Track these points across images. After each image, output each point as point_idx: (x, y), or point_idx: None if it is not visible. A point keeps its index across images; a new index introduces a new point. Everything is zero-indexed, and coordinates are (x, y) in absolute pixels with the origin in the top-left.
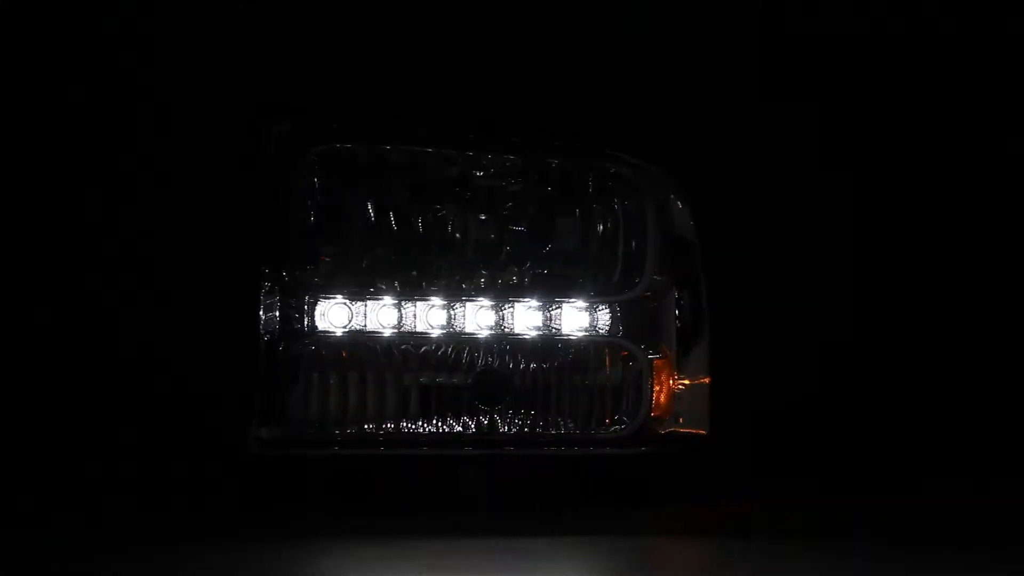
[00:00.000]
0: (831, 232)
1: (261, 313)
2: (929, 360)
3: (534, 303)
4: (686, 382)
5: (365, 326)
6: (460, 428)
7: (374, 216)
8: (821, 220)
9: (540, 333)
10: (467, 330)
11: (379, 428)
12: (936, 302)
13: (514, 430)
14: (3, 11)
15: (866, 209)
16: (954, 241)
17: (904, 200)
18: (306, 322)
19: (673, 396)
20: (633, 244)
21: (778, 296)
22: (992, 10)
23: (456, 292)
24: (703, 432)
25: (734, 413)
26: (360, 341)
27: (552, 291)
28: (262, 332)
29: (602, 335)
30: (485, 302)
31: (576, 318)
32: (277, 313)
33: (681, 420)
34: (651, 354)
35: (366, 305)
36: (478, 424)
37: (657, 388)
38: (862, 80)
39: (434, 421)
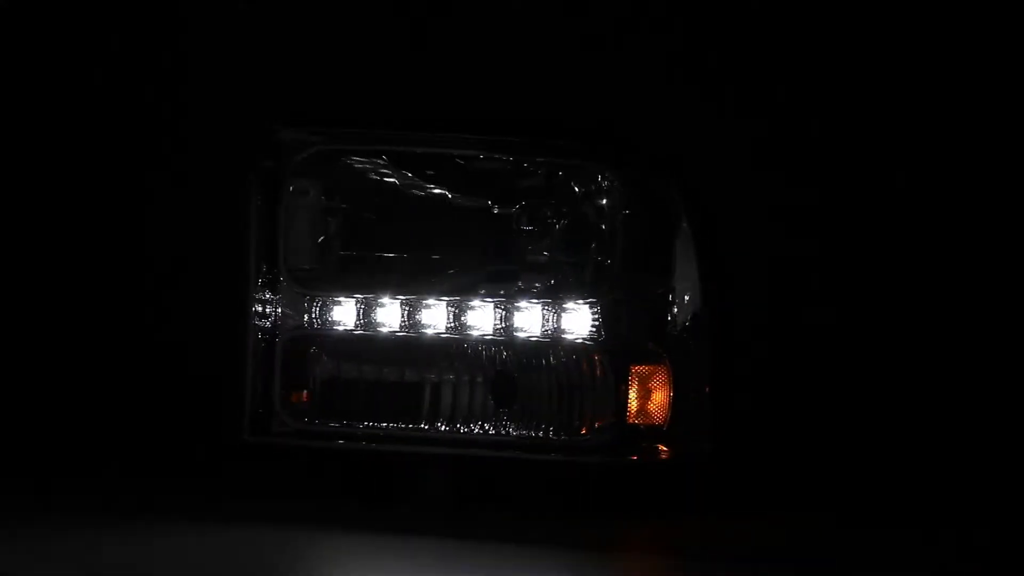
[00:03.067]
0: (842, 229)
1: (260, 308)
2: (951, 366)
3: (523, 304)
4: (681, 390)
5: (358, 324)
6: (444, 428)
7: (367, 217)
8: (830, 217)
9: (521, 335)
10: (439, 331)
11: (364, 425)
12: (956, 302)
13: (493, 432)
14: (3, 11)
15: (881, 204)
16: (974, 238)
17: (921, 195)
18: (305, 319)
19: (664, 405)
20: (625, 244)
21: (786, 299)
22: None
23: (432, 293)
24: (702, 444)
25: (738, 425)
26: (353, 339)
27: (536, 292)
28: (261, 327)
29: (583, 338)
30: (464, 303)
31: (558, 320)
32: (276, 309)
33: (676, 431)
34: (636, 359)
35: (360, 304)
36: (455, 425)
37: (641, 395)
38: (866, 72)
39: (423, 420)
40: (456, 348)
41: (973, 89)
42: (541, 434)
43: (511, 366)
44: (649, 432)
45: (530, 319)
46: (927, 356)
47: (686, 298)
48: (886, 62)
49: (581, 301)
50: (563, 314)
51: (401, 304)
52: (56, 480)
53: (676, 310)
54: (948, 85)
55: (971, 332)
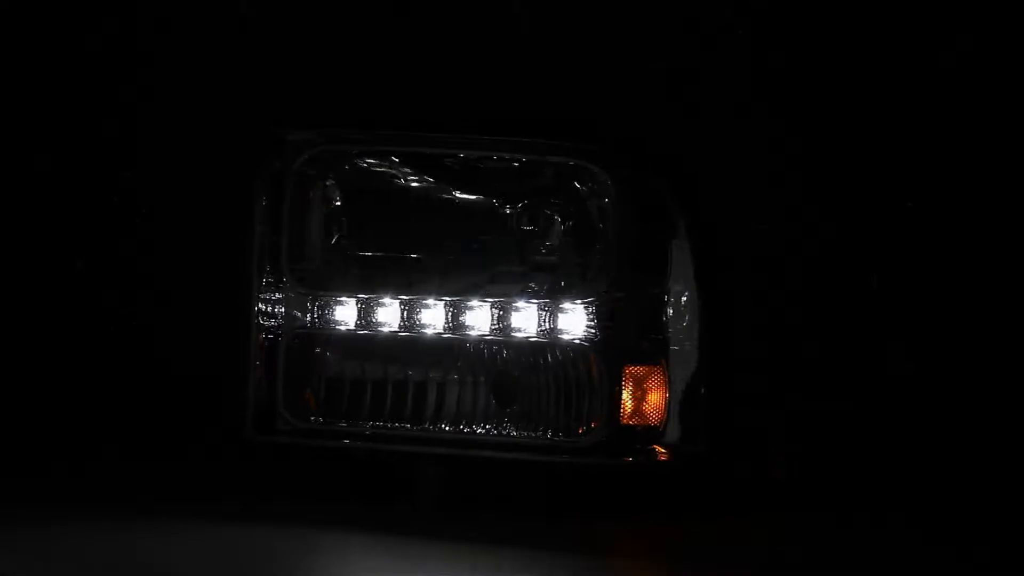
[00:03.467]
0: (839, 230)
1: (264, 308)
2: (950, 366)
3: (519, 304)
4: (677, 391)
5: (359, 324)
6: (446, 428)
7: (371, 217)
8: (827, 217)
9: (517, 335)
10: (437, 331)
11: (366, 424)
12: (955, 302)
13: (492, 432)
14: (3, 11)
15: (878, 204)
16: (975, 238)
17: (920, 195)
18: (307, 319)
19: (660, 405)
20: (622, 244)
21: (783, 300)
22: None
23: (433, 292)
24: (697, 444)
25: (734, 425)
26: (355, 338)
27: (534, 292)
28: (265, 327)
29: (579, 338)
30: (460, 303)
31: (554, 320)
32: (280, 309)
33: (672, 432)
34: (631, 359)
35: (361, 304)
36: (454, 425)
37: (637, 396)
38: (864, 72)
39: (422, 420)
40: (453, 348)
41: (972, 89)
42: (538, 434)
43: (507, 366)
44: (645, 433)
45: (526, 319)
46: (926, 356)
47: (682, 299)
48: (883, 61)
49: (577, 301)
50: (559, 314)
51: (400, 304)
52: (57, 480)
53: (672, 311)
54: (946, 85)
55: (970, 332)
